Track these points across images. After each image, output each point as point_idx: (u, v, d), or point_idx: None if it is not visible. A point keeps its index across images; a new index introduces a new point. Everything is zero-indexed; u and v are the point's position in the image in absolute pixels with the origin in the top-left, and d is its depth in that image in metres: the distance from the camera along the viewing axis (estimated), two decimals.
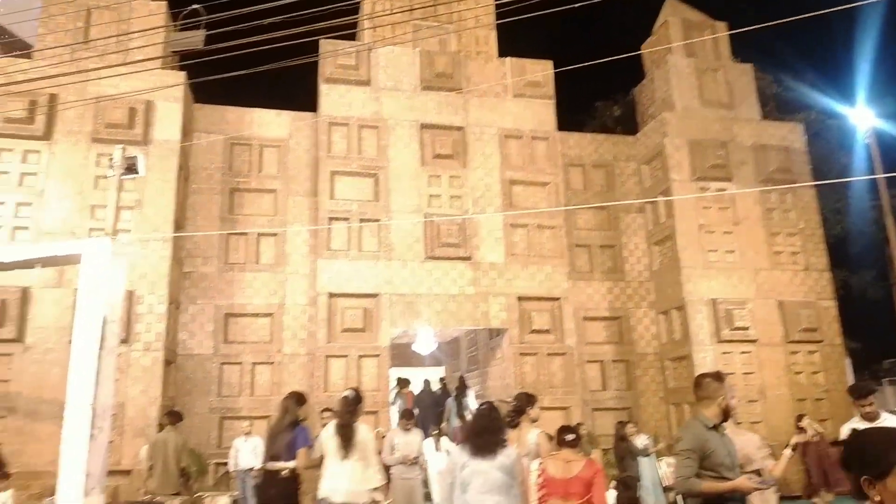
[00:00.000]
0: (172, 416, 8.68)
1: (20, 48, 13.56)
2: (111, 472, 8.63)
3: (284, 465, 5.46)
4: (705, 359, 12.19)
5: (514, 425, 5.26)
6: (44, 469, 9.29)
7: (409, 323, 11.86)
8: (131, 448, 9.94)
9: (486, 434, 4.43)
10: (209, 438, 11.11)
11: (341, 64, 12.69)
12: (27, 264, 6.95)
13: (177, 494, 8.03)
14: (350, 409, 5.32)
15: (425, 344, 13.33)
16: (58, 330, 10.31)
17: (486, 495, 4.21)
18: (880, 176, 13.71)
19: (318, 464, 5.38)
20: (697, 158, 13.44)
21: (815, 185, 13.98)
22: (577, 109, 19.91)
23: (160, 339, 10.56)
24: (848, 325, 13.72)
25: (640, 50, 15.36)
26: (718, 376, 3.95)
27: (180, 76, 11.85)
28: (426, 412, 12.42)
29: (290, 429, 5.54)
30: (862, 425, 4.84)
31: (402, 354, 14.15)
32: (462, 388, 13.41)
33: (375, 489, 5.24)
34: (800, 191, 13.81)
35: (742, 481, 3.63)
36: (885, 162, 14.78)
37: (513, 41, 14.29)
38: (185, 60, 11.44)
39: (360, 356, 11.29)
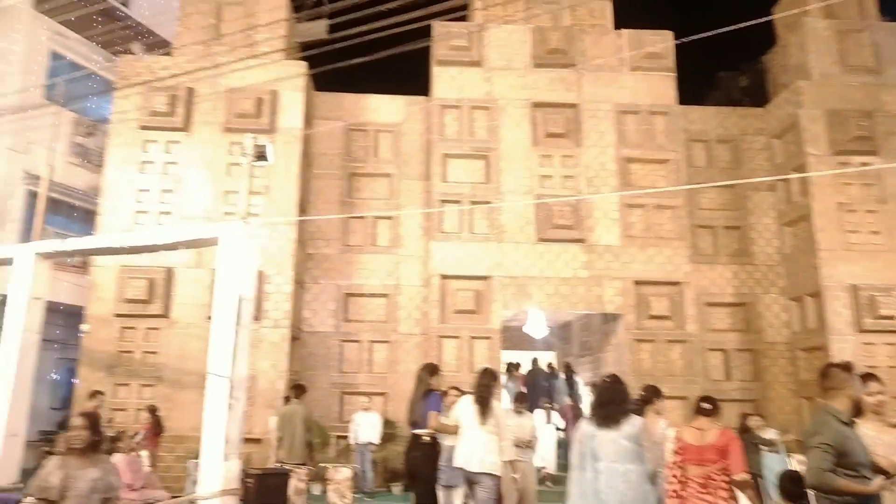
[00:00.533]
0: (298, 390, 9.19)
1: (161, 47, 14.75)
2: (244, 440, 9.33)
3: (425, 431, 5.97)
4: (844, 350, 11.18)
5: (639, 415, 5.19)
6: (187, 434, 10.23)
7: (520, 306, 11.81)
8: (261, 418, 10.70)
9: (610, 405, 4.63)
10: (330, 412, 11.72)
11: (453, 46, 12.71)
12: (172, 246, 7.60)
13: (303, 464, 8.53)
14: (489, 381, 5.67)
15: (537, 327, 13.23)
16: (197, 307, 11.26)
17: (617, 463, 4.43)
18: None
19: (451, 430, 5.73)
20: (837, 130, 12.24)
21: None
22: (698, 82, 18.77)
23: (287, 317, 11.24)
24: None
25: (770, 15, 14.17)
26: (847, 366, 3.75)
27: (302, 66, 12.38)
28: (535, 390, 12.42)
29: (424, 397, 5.99)
30: None
31: (513, 337, 14.15)
32: (569, 373, 13.27)
33: (509, 462, 5.50)
34: None
35: (882, 483, 3.45)
36: None
37: (629, 12, 13.66)
38: (307, 50, 11.96)
39: (472, 337, 11.42)
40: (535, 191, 12.09)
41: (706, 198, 13.09)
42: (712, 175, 13.10)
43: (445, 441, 5.98)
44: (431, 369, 6.37)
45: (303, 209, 12.16)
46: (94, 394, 10.29)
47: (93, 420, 4.17)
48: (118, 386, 11.07)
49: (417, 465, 6.16)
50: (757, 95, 15.42)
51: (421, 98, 13.27)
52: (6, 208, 14.66)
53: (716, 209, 13.12)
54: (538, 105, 12.55)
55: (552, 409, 11.75)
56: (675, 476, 4.89)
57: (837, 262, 11.66)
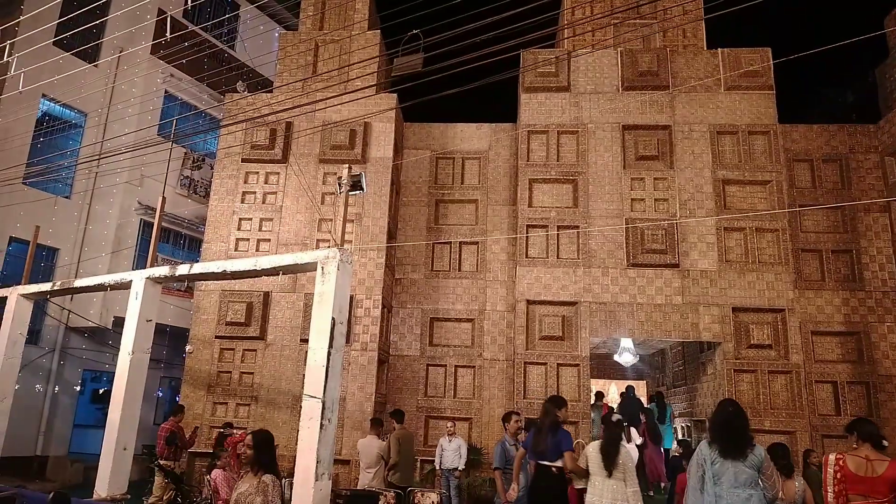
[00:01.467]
0: (398, 416, 9.56)
1: (264, 86, 15.69)
2: (333, 461, 9.58)
3: (555, 465, 6.12)
4: None
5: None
6: (279, 452, 10.59)
7: (609, 332, 11.50)
8: (350, 439, 10.93)
9: (736, 437, 4.70)
10: (417, 436, 11.81)
11: (541, 72, 12.76)
12: (273, 272, 7.98)
13: (407, 488, 8.77)
14: (615, 434, 5.83)
15: (627, 355, 12.81)
16: (291, 329, 11.74)
17: (739, 489, 4.59)
18: None
19: (583, 474, 5.94)
20: None
21: None
22: (800, 99, 17.81)
23: (375, 340, 11.50)
24: None
25: (882, 29, 13.31)
26: None
27: (393, 99, 12.81)
28: (629, 418, 11.98)
29: (552, 429, 6.08)
30: None
31: (601, 365, 13.77)
32: (661, 402, 12.74)
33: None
34: None
35: None
36: None
37: (722, 31, 13.23)
38: (399, 84, 12.38)
39: (559, 364, 11.21)
40: (625, 214, 11.83)
41: (811, 220, 12.32)
42: (817, 196, 12.35)
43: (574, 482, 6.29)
44: (558, 402, 6.43)
45: (391, 235, 12.48)
46: (178, 409, 10.97)
47: (259, 439, 4.54)
48: (216, 405, 11.66)
49: (546, 496, 6.18)
50: (864, 112, 14.43)
51: (508, 125, 13.38)
52: (124, 236, 15.95)
53: (822, 232, 12.31)
54: (628, 127, 12.33)
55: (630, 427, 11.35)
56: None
57: None
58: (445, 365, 12.17)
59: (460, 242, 12.78)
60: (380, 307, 11.65)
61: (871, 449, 4.70)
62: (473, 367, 12.13)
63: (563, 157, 12.38)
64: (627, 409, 12.10)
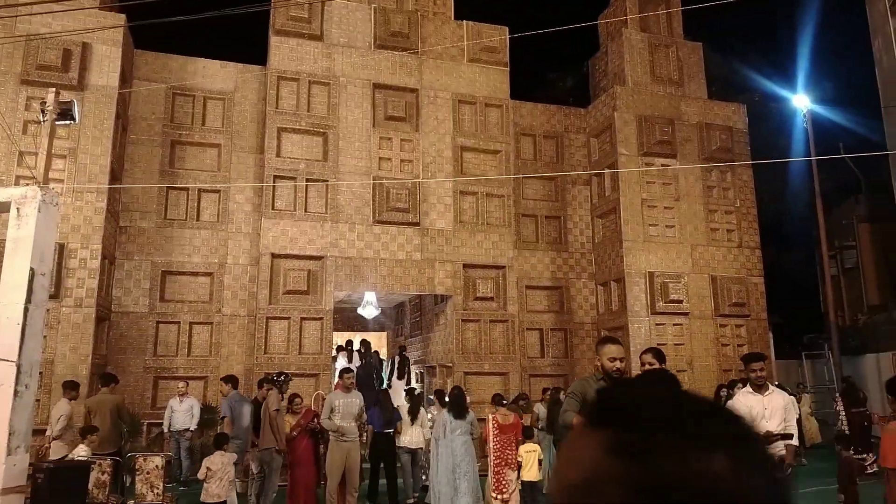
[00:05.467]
0: (107, 379, 8.53)
1: None
2: (37, 431, 8.36)
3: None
4: (640, 329, 12.65)
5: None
6: None
7: (354, 287, 11.81)
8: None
9: (460, 407, 7.70)
10: (143, 398, 10.88)
11: (293, 16, 12.24)
12: None
13: (113, 454, 7.88)
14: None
15: (370, 308, 13.31)
16: None
17: (461, 436, 7.51)
18: (813, 157, 14.34)
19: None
20: (645, 134, 13.69)
21: (754, 166, 14.50)
22: (530, 79, 19.89)
23: (92, 296, 10.18)
24: (773, 301, 14.46)
25: (596, 21, 15.42)
26: (601, 340, 4.47)
27: (120, 18, 11.19)
28: (364, 375, 12.48)
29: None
30: (748, 393, 5.12)
31: (345, 318, 14.12)
32: (402, 355, 13.50)
33: None
34: (739, 170, 14.29)
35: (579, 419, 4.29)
36: (820, 146, 15.46)
37: (471, 4, 14.08)
38: (126, 1, 10.82)
39: (303, 318, 11.20)
40: (373, 172, 12.10)
41: (531, 189, 13.98)
42: (538, 168, 14.03)
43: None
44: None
45: (116, 177, 11.04)
46: None
47: None
48: None
49: None
50: (581, 96, 16.71)
51: (256, 67, 12.62)
52: None
53: (539, 200, 14.07)
54: (379, 86, 12.53)
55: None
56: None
57: (638, 252, 13.10)
58: (179, 322, 11.29)
59: (199, 189, 11.84)
60: (99, 258, 10.30)
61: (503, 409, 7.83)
62: (211, 323, 11.48)
63: (314, 108, 12.15)
64: (365, 360, 12.61)
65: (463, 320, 12.22)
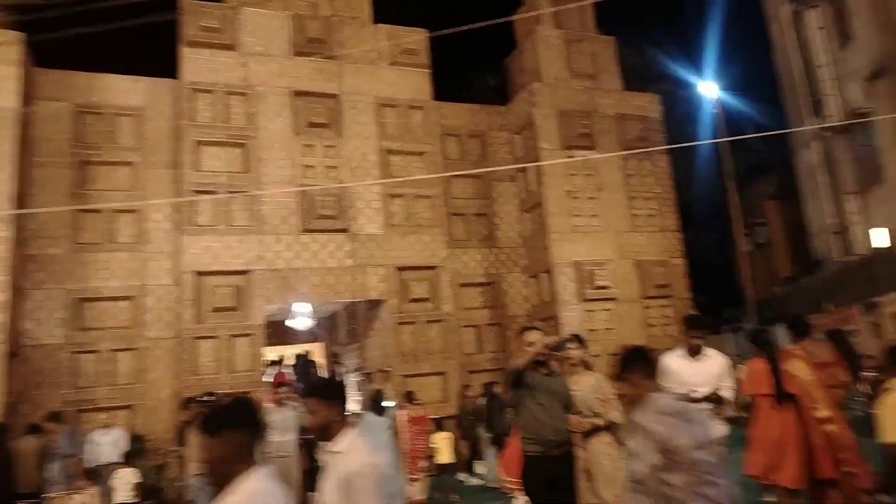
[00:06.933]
0: (33, 427, 8.27)
1: None
2: None
3: None
4: (571, 317, 13.00)
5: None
6: None
7: (285, 299, 11.63)
8: None
9: (378, 405, 7.75)
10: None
11: (204, 26, 11.91)
12: None
13: (31, 495, 7.52)
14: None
15: (302, 320, 13.14)
16: None
17: (384, 431, 7.71)
18: (724, 140, 15.10)
19: None
20: (564, 128, 14.05)
21: (669, 153, 15.12)
22: (453, 79, 20.06)
23: (4, 331, 9.61)
24: (694, 281, 15.16)
25: (512, 20, 15.67)
26: (520, 329, 5.13)
27: (16, 35, 10.58)
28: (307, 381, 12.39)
29: None
30: (679, 357, 5.25)
31: (277, 331, 13.89)
32: (333, 363, 13.44)
33: None
34: (656, 158, 14.87)
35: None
36: (728, 131, 16.30)
37: (388, 7, 14.06)
38: (23, 15, 10.29)
39: (233, 336, 10.94)
40: (297, 181, 11.93)
41: (459, 188, 14.12)
42: (464, 167, 14.16)
43: None
44: None
45: (21, 202, 10.44)
46: None
47: None
48: None
49: None
50: (503, 94, 16.98)
51: (170, 81, 12.19)
52: None
53: (467, 198, 14.23)
54: (299, 94, 12.36)
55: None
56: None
57: (564, 243, 13.46)
58: (99, 350, 10.76)
59: (114, 210, 11.35)
60: (6, 290, 9.73)
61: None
62: (135, 349, 11.01)
63: (232, 120, 11.88)
64: (303, 373, 12.49)
65: (399, 323, 12.24)
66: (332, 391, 2.82)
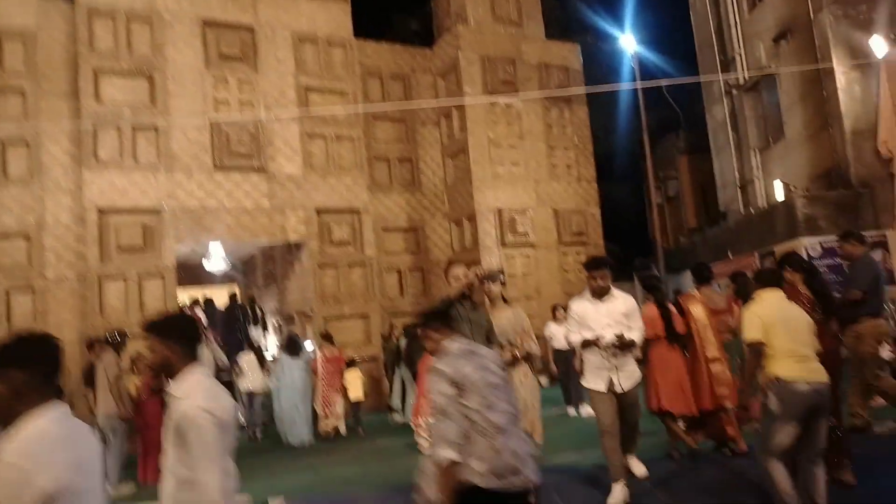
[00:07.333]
0: None
1: None
2: None
3: None
4: (492, 263, 13.20)
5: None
6: None
7: (197, 239, 11.15)
8: None
9: (296, 347, 9.11)
10: None
11: None
12: None
13: None
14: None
15: (216, 261, 12.67)
16: None
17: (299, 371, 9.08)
18: (639, 84, 15.52)
19: None
20: (489, 73, 13.99)
21: (589, 106, 15.41)
22: (376, 18, 19.42)
23: None
24: (609, 230, 15.73)
25: None
26: (446, 265, 5.18)
27: None
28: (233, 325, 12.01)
29: None
30: (584, 300, 5.27)
31: (191, 273, 13.35)
32: (253, 305, 13.10)
33: None
34: (575, 108, 15.12)
35: None
36: (644, 85, 16.74)
37: None
38: None
39: (142, 277, 10.42)
40: (209, 116, 11.31)
41: (381, 131, 13.86)
42: (386, 110, 13.87)
43: None
44: None
45: None
46: None
47: None
48: None
49: None
50: (428, 37, 16.62)
51: (62, 2, 11.11)
52: None
53: (390, 142, 14.00)
54: (210, 23, 11.62)
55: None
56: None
57: (487, 190, 13.57)
58: None
59: (3, 142, 10.39)
60: None
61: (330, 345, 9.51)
62: (33, 289, 10.31)
63: (136, 49, 11.04)
64: (233, 314, 12.10)
65: (320, 266, 12.04)
66: (169, 329, 2.51)
